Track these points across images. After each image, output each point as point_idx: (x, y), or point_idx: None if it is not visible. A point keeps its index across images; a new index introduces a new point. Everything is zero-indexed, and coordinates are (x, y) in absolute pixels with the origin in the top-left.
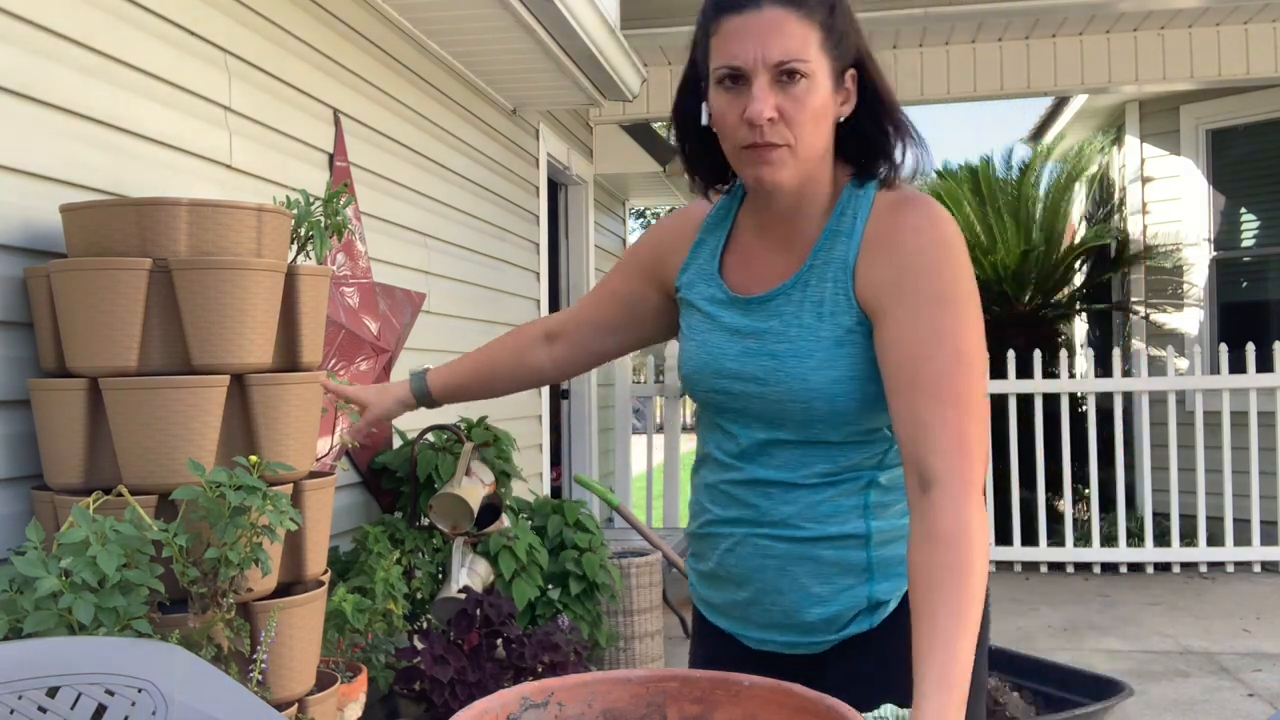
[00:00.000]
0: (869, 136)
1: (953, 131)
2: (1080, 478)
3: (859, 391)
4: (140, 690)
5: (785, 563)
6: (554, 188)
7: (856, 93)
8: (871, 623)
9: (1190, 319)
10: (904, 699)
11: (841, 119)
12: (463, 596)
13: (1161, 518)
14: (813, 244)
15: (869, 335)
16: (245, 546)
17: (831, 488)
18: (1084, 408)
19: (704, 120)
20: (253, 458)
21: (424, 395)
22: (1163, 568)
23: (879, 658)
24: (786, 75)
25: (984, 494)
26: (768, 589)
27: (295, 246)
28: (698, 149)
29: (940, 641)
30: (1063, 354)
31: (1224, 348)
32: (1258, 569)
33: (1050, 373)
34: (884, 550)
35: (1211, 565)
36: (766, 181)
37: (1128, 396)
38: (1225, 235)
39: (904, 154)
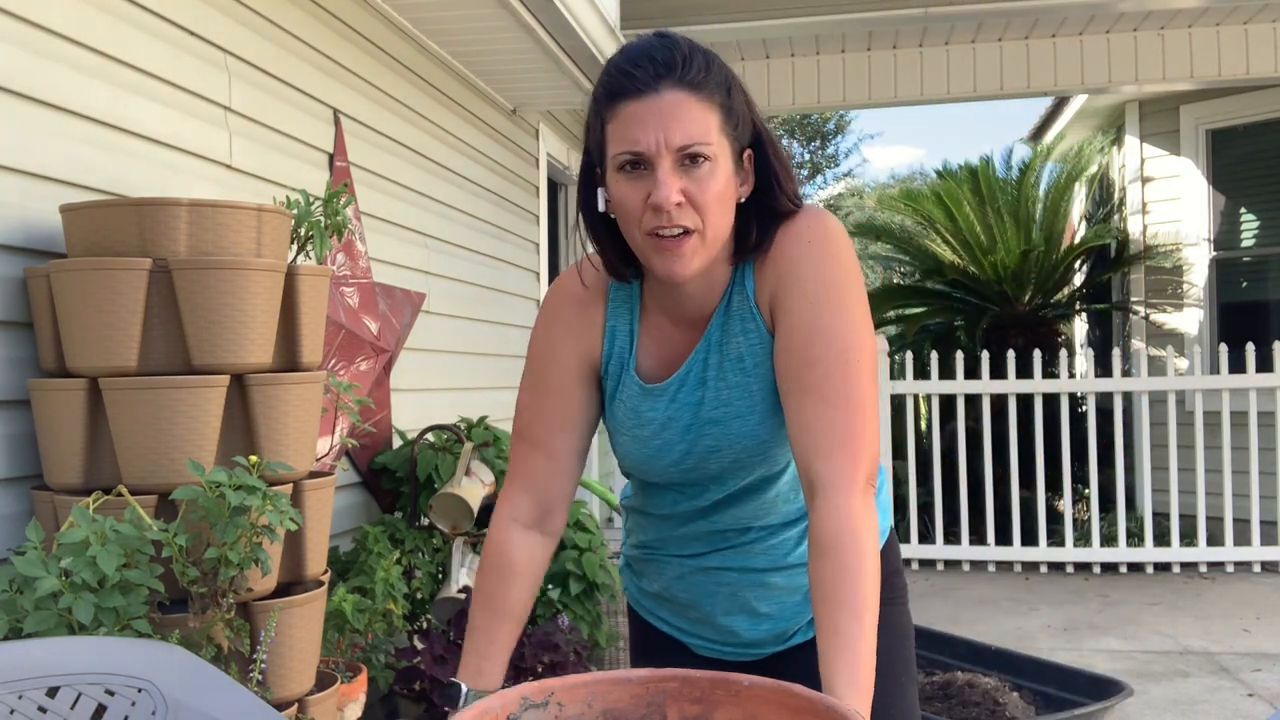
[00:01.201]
0: (766, 214)
1: (953, 131)
2: (1080, 478)
3: None
4: (140, 690)
5: (737, 589)
6: (554, 188)
7: (754, 173)
8: (813, 632)
9: (1190, 319)
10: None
11: (742, 200)
12: (463, 596)
13: (1161, 518)
14: (715, 307)
15: None
16: (245, 546)
17: (789, 528)
18: (1084, 408)
19: (600, 207)
20: (252, 458)
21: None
22: (1163, 568)
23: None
24: (689, 159)
25: (876, 486)
26: (717, 612)
27: (295, 246)
28: (601, 235)
29: (845, 644)
30: (1063, 354)
31: (1224, 348)
32: (1258, 569)
33: (1050, 373)
34: None
35: (1211, 565)
36: (679, 275)
37: (1128, 396)
38: (1225, 235)
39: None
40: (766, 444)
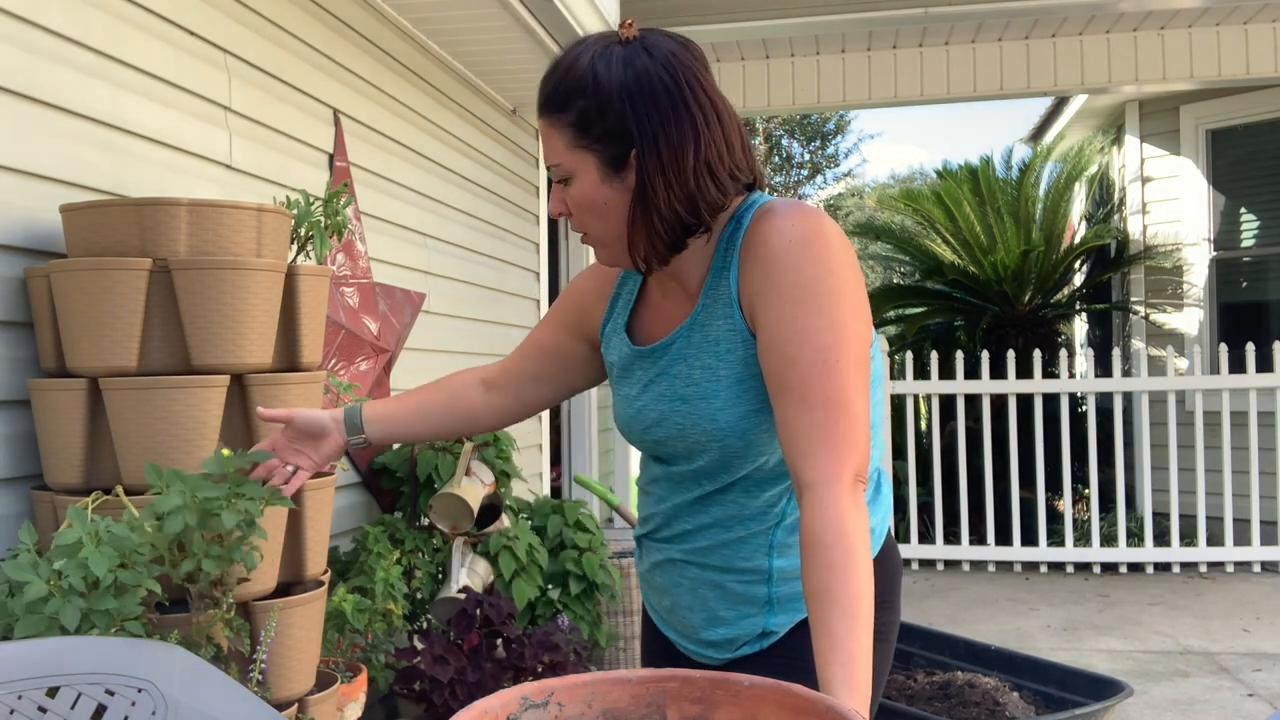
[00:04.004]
0: (688, 197)
1: (953, 131)
2: (1080, 478)
3: (767, 421)
4: (140, 690)
5: (697, 585)
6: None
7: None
8: (761, 646)
9: (1190, 319)
10: None
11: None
12: (463, 596)
13: (1161, 518)
14: (704, 283)
15: None
16: (228, 543)
17: (741, 525)
18: (1084, 408)
19: None
20: (225, 451)
21: (355, 425)
22: (1163, 568)
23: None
24: (562, 177)
25: (865, 484)
26: (680, 604)
27: (295, 246)
28: None
29: (837, 644)
30: (1063, 354)
31: (1224, 348)
32: (1258, 569)
33: (1050, 373)
34: (784, 587)
35: (1211, 565)
36: (602, 264)
37: (1128, 396)
38: (1225, 235)
39: (716, 208)
40: (725, 433)
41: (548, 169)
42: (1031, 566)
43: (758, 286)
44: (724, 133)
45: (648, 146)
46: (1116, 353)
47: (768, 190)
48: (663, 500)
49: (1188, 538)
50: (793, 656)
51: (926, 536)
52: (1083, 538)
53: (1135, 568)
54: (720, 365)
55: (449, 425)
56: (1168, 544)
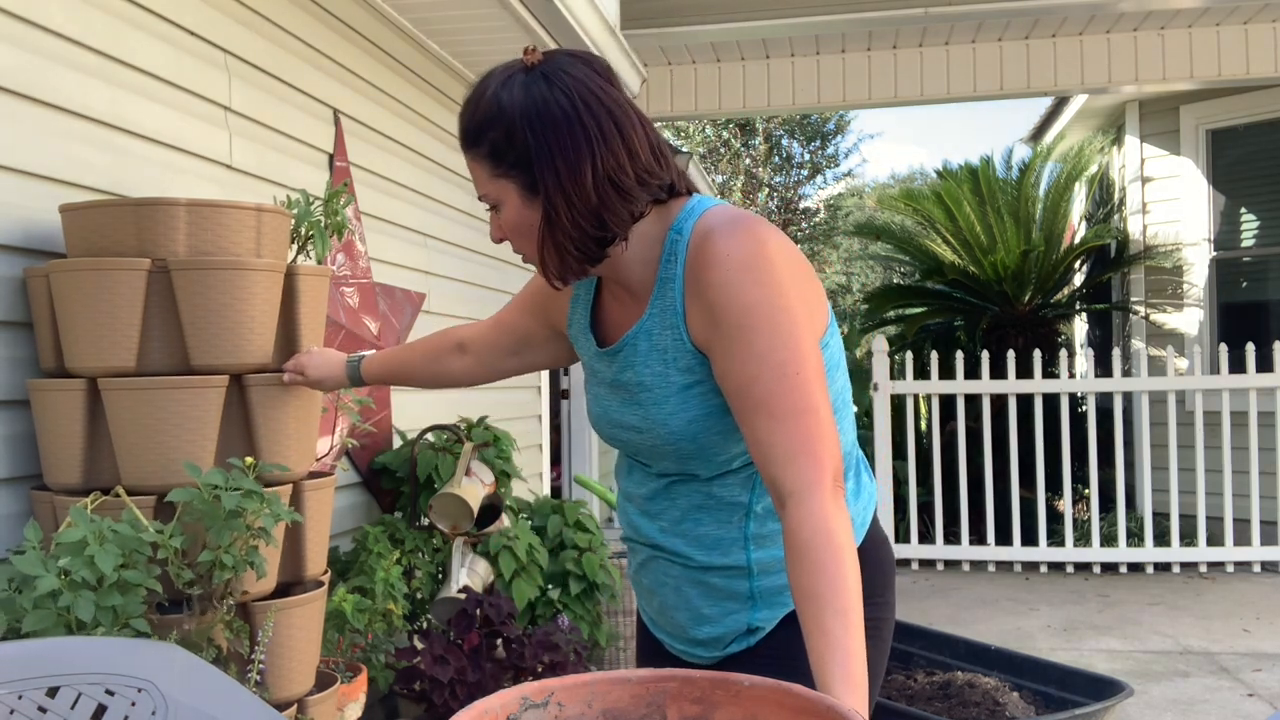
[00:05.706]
0: (594, 210)
1: (953, 131)
2: (1080, 478)
3: (718, 425)
4: (140, 690)
5: (680, 584)
6: None
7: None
8: (749, 643)
9: (1190, 319)
10: None
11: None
12: (463, 596)
13: (1161, 518)
14: (651, 292)
15: (711, 370)
16: (240, 549)
17: (709, 516)
18: (1084, 408)
19: None
20: (248, 459)
21: (355, 376)
22: (1163, 568)
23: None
24: (492, 205)
25: (844, 487)
26: (667, 604)
27: (295, 246)
28: None
29: (833, 643)
30: (1063, 354)
31: (1224, 348)
32: (1258, 569)
33: (1050, 373)
34: (765, 581)
35: (1211, 565)
36: (546, 281)
37: (1128, 396)
38: (1225, 235)
39: (625, 222)
40: (677, 437)
41: (479, 199)
42: (1031, 566)
43: (706, 318)
44: (625, 141)
45: (546, 168)
46: (1116, 353)
47: (764, 189)
48: (633, 497)
49: (1188, 538)
50: (781, 653)
51: (926, 536)
52: (1083, 538)
53: (1135, 568)
54: (670, 371)
55: (427, 384)
56: (1168, 544)
